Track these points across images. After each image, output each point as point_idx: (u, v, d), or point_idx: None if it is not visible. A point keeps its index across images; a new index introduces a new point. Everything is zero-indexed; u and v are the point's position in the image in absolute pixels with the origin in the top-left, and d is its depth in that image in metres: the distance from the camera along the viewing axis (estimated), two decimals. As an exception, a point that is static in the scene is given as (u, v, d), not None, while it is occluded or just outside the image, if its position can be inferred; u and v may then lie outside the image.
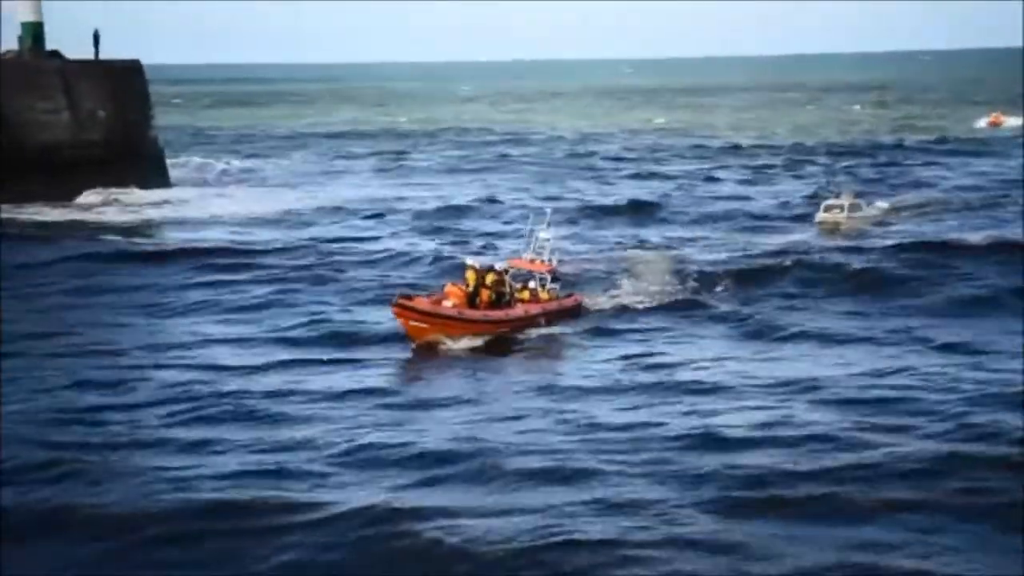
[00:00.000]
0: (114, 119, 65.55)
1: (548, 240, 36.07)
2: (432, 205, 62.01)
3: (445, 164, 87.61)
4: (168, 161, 71.50)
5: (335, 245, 49.33)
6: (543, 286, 34.84)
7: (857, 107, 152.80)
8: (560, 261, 37.25)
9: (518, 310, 33.31)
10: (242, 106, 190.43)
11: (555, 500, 19.78)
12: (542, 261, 35.59)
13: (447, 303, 31.93)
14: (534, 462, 21.65)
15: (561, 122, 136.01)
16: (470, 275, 33.05)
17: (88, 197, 62.68)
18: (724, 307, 35.61)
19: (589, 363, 29.96)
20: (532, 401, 26.34)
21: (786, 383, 26.79)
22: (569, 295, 35.82)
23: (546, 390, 27.02)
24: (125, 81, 66.96)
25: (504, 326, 32.58)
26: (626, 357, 30.05)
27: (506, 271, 34.25)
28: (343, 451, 22.61)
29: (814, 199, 58.11)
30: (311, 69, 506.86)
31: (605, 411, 25.15)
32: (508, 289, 33.58)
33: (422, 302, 31.71)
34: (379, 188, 72.51)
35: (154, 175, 67.55)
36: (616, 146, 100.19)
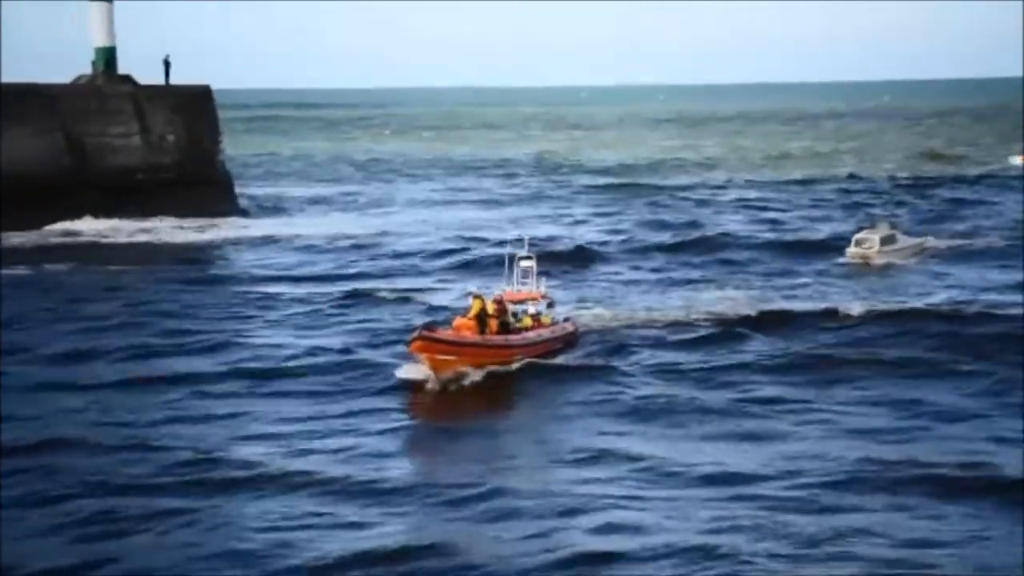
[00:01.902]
0: (185, 144, 65.83)
1: (532, 267, 35.32)
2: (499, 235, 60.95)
3: (509, 194, 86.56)
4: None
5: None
6: (539, 314, 34.33)
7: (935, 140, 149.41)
8: (547, 287, 36.25)
9: (532, 335, 32.94)
10: (314, 132, 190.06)
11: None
12: (531, 291, 34.92)
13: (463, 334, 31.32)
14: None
15: (622, 150, 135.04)
16: (476, 304, 32.20)
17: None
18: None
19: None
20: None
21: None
22: (567, 319, 35.39)
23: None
24: (195, 106, 67.18)
25: (525, 351, 32.17)
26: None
27: (501, 300, 33.53)
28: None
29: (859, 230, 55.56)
30: (352, 94, 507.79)
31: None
32: (509, 317, 33.09)
33: (448, 333, 31.04)
34: (449, 218, 71.25)
35: (223, 200, 67.61)
36: (680, 176, 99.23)
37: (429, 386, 29.85)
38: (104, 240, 58.66)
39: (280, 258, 54.59)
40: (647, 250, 55.47)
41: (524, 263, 35.30)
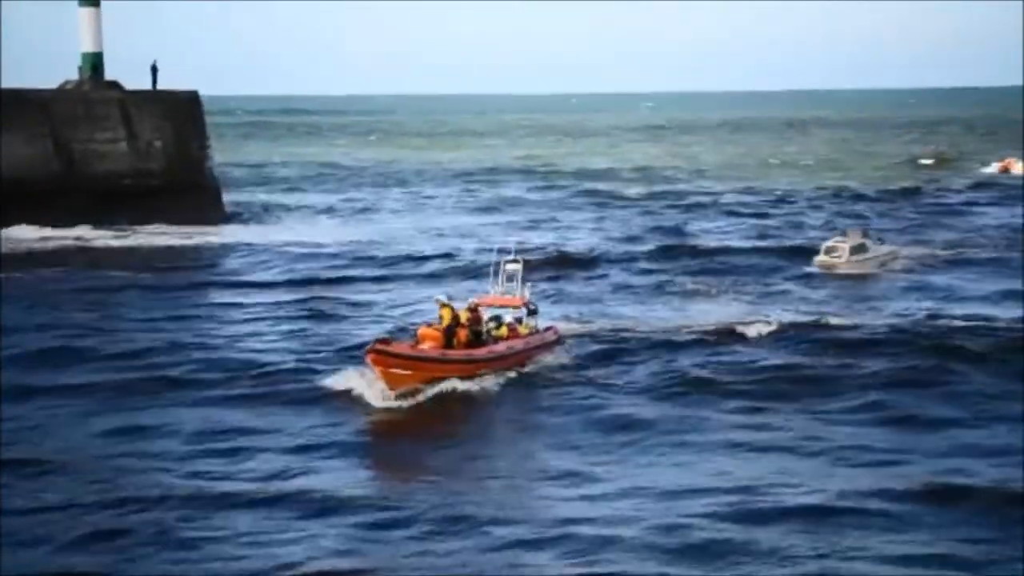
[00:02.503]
0: (172, 149, 65.74)
1: (517, 271, 33.70)
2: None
3: (500, 200, 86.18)
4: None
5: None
6: (519, 321, 32.68)
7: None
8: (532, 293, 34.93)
9: (501, 347, 30.93)
10: (303, 138, 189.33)
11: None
12: (512, 297, 33.31)
13: (424, 346, 29.49)
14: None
15: (612, 157, 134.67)
16: (444, 312, 30.46)
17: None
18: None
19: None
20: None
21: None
22: (548, 328, 33.67)
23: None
24: (183, 112, 67.07)
25: (491, 365, 30.26)
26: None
27: (475, 308, 31.93)
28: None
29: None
30: (342, 101, 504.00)
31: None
32: (483, 327, 31.41)
33: (402, 346, 29.20)
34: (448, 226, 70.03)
35: (211, 206, 67.51)
36: (669, 183, 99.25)
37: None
38: (88, 245, 58.57)
39: (264, 264, 54.43)
40: (634, 257, 55.40)
41: (510, 266, 33.74)
